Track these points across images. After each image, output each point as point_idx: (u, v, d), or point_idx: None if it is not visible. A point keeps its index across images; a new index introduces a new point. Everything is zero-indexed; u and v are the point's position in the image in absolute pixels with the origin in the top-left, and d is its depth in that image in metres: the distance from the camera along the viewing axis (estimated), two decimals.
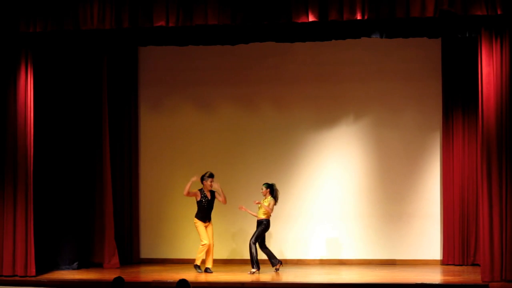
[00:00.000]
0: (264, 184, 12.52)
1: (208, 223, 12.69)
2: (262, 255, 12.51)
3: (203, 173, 12.73)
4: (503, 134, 11.14)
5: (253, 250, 12.33)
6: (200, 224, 12.64)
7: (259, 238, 12.44)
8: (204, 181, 12.67)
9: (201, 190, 12.69)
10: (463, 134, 13.37)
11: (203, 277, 12.05)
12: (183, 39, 12.20)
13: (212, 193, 12.76)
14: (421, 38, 12.14)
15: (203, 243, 12.57)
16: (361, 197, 13.88)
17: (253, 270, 12.31)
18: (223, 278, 12.01)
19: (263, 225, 12.45)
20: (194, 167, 14.14)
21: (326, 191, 13.95)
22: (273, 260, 12.48)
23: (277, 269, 12.46)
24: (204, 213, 12.66)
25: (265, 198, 12.48)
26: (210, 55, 14.05)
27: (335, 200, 13.91)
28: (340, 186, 13.93)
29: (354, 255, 13.80)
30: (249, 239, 12.43)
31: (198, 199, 12.68)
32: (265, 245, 12.54)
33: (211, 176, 12.67)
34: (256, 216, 12.54)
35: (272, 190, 12.48)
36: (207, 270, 12.57)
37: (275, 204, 12.47)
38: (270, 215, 12.47)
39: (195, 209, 13.89)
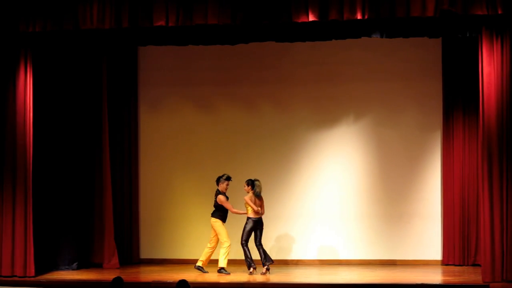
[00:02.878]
0: (246, 181, 12.49)
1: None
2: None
3: (220, 175, 12.63)
4: (504, 134, 11.12)
5: (246, 250, 12.31)
6: (221, 223, 12.52)
7: (245, 236, 12.34)
8: (220, 183, 12.59)
9: (219, 192, 12.62)
10: (464, 134, 13.35)
11: (203, 278, 12.02)
12: (183, 39, 12.18)
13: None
14: (421, 38, 12.13)
15: (227, 244, 12.44)
16: (361, 197, 13.85)
17: (251, 269, 12.30)
18: (223, 278, 11.99)
19: (246, 223, 12.39)
20: (194, 166, 14.16)
21: (326, 191, 13.92)
22: (263, 261, 12.33)
23: (261, 271, 12.34)
24: (225, 213, 12.57)
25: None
26: (210, 55, 14.03)
27: (336, 200, 13.89)
28: (340, 186, 13.90)
29: (354, 256, 13.77)
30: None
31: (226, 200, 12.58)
32: (259, 243, 12.41)
33: (228, 179, 12.55)
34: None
35: (253, 186, 12.43)
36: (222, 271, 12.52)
37: (255, 199, 12.37)
38: (258, 212, 12.36)
39: (194, 209, 13.98)
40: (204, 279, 11.87)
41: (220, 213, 12.56)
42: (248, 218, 12.41)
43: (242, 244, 12.34)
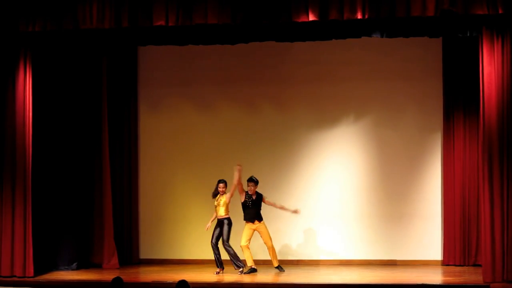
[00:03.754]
0: (222, 182, 12.51)
1: (256, 223, 12.56)
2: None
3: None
4: (504, 134, 11.10)
5: (231, 250, 12.35)
6: (247, 225, 12.55)
7: (229, 237, 12.43)
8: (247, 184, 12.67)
9: (246, 192, 12.65)
10: (464, 134, 13.34)
11: (202, 278, 12.00)
12: (182, 38, 12.16)
13: (258, 194, 12.64)
14: (422, 38, 12.11)
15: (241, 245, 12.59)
16: (361, 197, 13.84)
17: (240, 269, 12.34)
18: (223, 278, 11.98)
19: (228, 224, 12.43)
20: (194, 167, 14.16)
21: (326, 191, 13.91)
22: (220, 263, 12.44)
23: (217, 272, 12.42)
24: (250, 214, 12.55)
25: (222, 195, 12.47)
26: (210, 54, 14.03)
27: (336, 200, 13.88)
28: (341, 186, 13.89)
29: (355, 256, 13.76)
30: (222, 243, 12.43)
31: (243, 200, 12.58)
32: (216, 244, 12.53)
33: (249, 180, 12.56)
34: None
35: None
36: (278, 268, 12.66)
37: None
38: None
39: (194, 209, 14.05)
40: (204, 279, 11.85)
41: (245, 215, 12.61)
42: (225, 218, 12.46)
43: (227, 246, 12.38)
